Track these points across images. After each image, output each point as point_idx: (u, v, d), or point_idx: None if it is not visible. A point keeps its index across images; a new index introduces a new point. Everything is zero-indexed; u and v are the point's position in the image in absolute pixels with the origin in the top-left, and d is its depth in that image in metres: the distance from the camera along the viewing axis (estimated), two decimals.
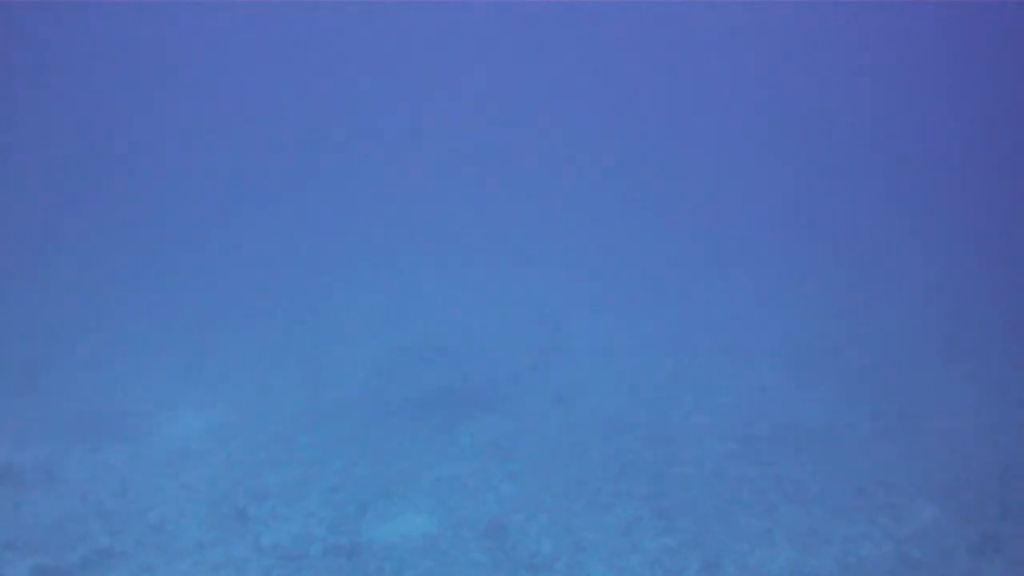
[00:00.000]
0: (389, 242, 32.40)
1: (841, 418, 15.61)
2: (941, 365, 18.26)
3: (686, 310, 23.35)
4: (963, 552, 10.67)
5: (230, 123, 51.61)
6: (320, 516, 11.87)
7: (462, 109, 56.91)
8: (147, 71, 51.36)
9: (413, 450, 14.10)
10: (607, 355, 19.58)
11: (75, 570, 10.53)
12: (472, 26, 56.30)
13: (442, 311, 23.47)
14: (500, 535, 11.24)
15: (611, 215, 36.13)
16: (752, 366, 18.73)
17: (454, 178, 42.71)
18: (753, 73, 55.51)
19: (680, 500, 12.23)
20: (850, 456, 13.88)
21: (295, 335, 21.49)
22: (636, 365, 18.96)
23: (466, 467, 13.41)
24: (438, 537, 11.21)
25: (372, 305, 24.15)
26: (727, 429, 15.13)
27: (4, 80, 46.46)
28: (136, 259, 30.20)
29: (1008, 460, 13.52)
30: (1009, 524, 11.39)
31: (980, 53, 48.42)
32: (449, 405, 16.41)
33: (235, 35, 53.13)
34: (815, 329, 21.25)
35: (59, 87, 48.74)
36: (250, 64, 55.61)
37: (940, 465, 13.41)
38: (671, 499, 12.28)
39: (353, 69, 58.41)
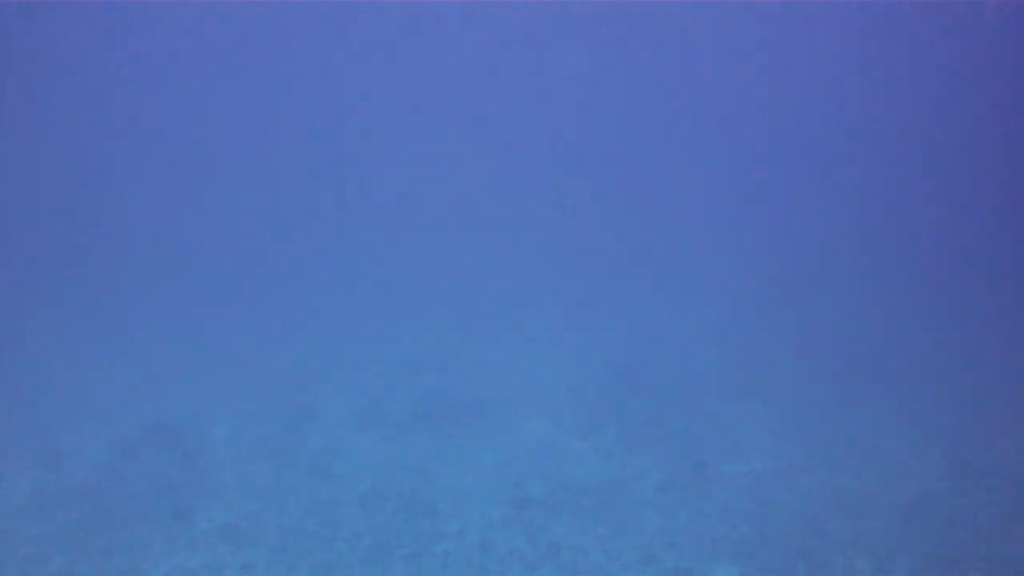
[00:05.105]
0: (141, 311, 28.35)
1: (625, 470, 13.86)
2: (733, 404, 16.93)
3: (453, 361, 21.01)
4: None
5: None
6: None
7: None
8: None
9: (144, 540, 12.29)
10: (367, 418, 16.91)
11: None
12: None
13: (191, 385, 20.08)
14: None
15: (369, 268, 33.28)
16: (526, 417, 16.73)
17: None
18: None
19: None
20: (636, 514, 12.27)
21: (29, 410, 18.44)
22: (399, 426, 16.55)
23: (199, 558, 11.70)
24: None
25: (121, 379, 20.52)
26: (496, 492, 13.22)
27: None
28: None
29: (813, 506, 12.24)
30: None
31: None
32: (188, 486, 14.02)
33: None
34: (595, 372, 19.49)
35: None
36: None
37: (739, 517, 12.00)
38: None
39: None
